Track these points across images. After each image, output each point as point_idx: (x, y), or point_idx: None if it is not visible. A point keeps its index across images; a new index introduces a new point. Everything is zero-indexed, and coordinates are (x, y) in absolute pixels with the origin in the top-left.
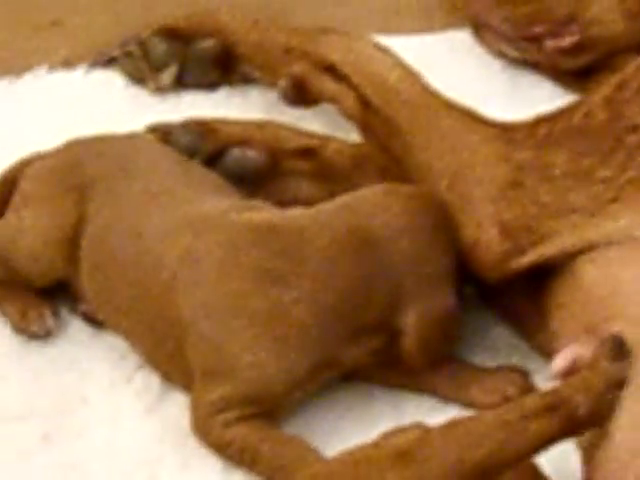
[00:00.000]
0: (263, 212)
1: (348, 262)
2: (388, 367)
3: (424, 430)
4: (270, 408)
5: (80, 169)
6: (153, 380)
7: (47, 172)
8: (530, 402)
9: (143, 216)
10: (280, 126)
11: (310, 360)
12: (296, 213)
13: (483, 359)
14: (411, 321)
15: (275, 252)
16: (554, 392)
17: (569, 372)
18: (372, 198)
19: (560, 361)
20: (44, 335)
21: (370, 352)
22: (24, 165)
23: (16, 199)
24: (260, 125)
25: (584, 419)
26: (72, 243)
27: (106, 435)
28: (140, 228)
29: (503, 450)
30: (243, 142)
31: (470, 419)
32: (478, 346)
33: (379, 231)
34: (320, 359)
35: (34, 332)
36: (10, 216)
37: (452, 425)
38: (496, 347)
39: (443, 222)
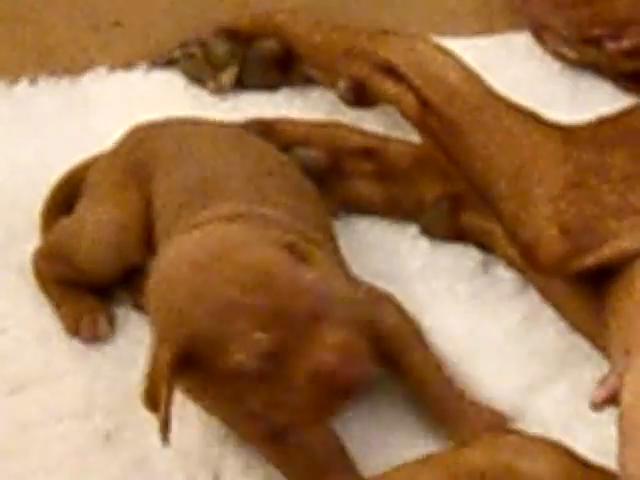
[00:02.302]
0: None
1: None
2: None
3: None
4: None
5: (140, 149)
6: None
7: (109, 161)
8: None
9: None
10: (342, 126)
11: None
12: None
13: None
14: None
15: None
16: None
17: (608, 401)
18: None
19: (599, 392)
20: (94, 341)
21: None
22: (89, 164)
23: (82, 196)
24: (322, 125)
25: None
26: (144, 227)
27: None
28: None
29: None
30: (305, 142)
31: None
32: None
33: None
34: None
35: (85, 338)
36: (77, 211)
37: None
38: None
39: None
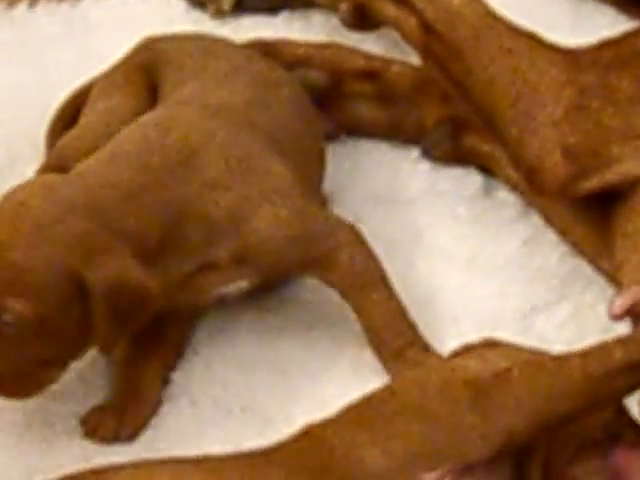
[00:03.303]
0: None
1: None
2: None
3: (504, 367)
4: None
5: (152, 52)
6: None
7: (116, 66)
8: (616, 356)
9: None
10: (343, 47)
11: None
12: None
13: None
14: None
15: None
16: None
17: (627, 313)
18: None
19: (620, 301)
20: None
21: None
22: (92, 84)
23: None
24: (323, 46)
25: None
26: None
27: None
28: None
29: (585, 403)
30: (306, 63)
31: (553, 364)
32: None
33: None
34: None
35: None
36: (81, 118)
37: (533, 368)
38: None
39: None
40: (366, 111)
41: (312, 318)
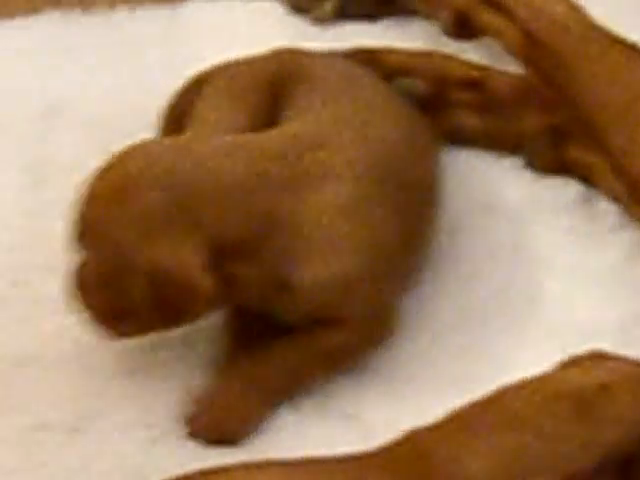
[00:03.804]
0: None
1: None
2: None
3: (608, 379)
4: None
5: (285, 64)
6: None
7: (241, 70)
8: None
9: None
10: (446, 56)
11: None
12: None
13: None
14: None
15: None
16: None
17: None
18: None
19: None
20: None
21: None
22: (210, 72)
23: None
24: (426, 54)
25: None
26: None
27: None
28: None
29: None
30: (408, 71)
31: None
32: None
33: None
34: None
35: None
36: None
37: (637, 380)
38: None
39: None
40: (466, 120)
41: None
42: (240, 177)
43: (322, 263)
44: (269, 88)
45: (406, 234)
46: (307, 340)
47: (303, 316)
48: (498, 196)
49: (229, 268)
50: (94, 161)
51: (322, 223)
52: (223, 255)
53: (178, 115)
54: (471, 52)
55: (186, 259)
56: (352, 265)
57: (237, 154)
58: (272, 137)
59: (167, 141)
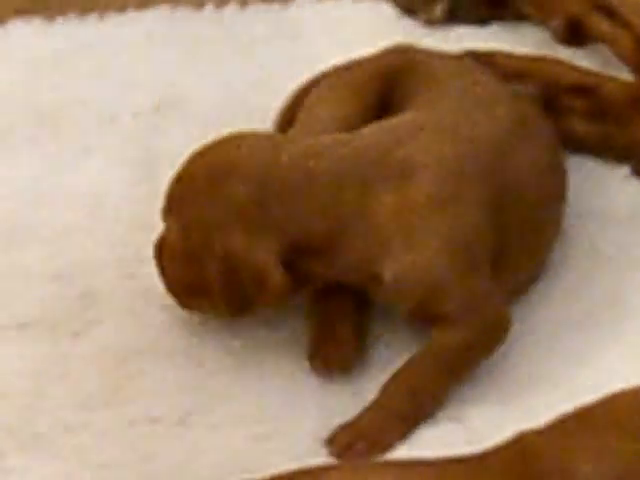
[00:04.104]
0: None
1: None
2: None
3: None
4: None
5: (402, 59)
6: None
7: (355, 67)
8: None
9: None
10: (558, 61)
11: None
12: None
13: None
14: None
15: None
16: None
17: None
18: None
19: None
20: None
21: None
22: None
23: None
24: (538, 59)
25: None
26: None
27: None
28: None
29: None
30: (520, 76)
31: None
32: None
33: None
34: None
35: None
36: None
37: None
38: None
39: None
40: (578, 126)
41: None
42: (328, 177)
43: (407, 257)
44: (383, 84)
45: (505, 236)
46: (428, 349)
47: (404, 311)
48: (607, 203)
49: (304, 265)
50: None
51: (407, 219)
52: (300, 252)
53: (295, 113)
54: (582, 58)
55: (261, 253)
56: (437, 260)
57: (327, 154)
58: (364, 135)
59: (264, 136)
